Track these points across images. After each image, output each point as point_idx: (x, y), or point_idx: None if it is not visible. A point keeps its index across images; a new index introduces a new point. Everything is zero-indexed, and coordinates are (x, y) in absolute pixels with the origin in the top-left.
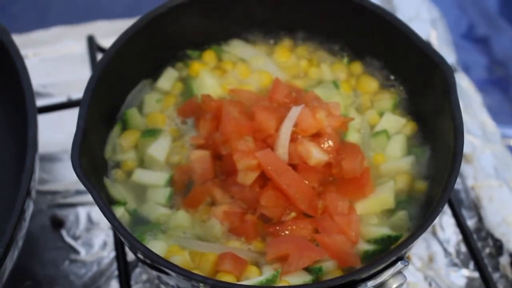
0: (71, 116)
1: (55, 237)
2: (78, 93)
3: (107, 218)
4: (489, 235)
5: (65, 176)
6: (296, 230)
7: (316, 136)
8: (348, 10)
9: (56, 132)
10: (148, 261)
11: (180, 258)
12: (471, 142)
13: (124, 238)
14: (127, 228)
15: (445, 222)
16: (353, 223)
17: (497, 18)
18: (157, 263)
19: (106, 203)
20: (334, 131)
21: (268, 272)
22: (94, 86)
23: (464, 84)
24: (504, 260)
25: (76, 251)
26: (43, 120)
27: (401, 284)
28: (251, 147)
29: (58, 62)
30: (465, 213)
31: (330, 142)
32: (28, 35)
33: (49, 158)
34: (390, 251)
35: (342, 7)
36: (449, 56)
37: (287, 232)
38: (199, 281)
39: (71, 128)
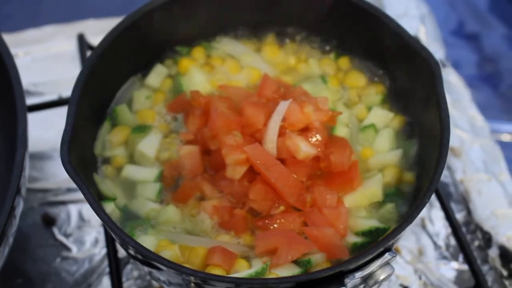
0: (62, 114)
1: (47, 235)
2: (68, 91)
3: (97, 214)
4: (478, 228)
5: (56, 174)
6: (285, 224)
7: (304, 131)
8: (336, 5)
9: (47, 130)
10: (139, 256)
11: (170, 253)
12: (459, 136)
13: (115, 233)
14: (117, 223)
15: (434, 216)
16: (341, 216)
17: (486, 15)
18: (147, 257)
19: (96, 199)
20: (322, 126)
21: (257, 265)
22: (83, 83)
23: (453, 80)
24: (493, 252)
25: (68, 248)
26: (34, 118)
27: (389, 275)
28: (239, 142)
29: (48, 60)
30: (454, 206)
31: (318, 136)
32: (18, 34)
33: (40, 156)
34: (377, 242)
35: (330, 2)
36: (438, 52)
37: (276, 226)
38: (189, 274)
39: (61, 126)
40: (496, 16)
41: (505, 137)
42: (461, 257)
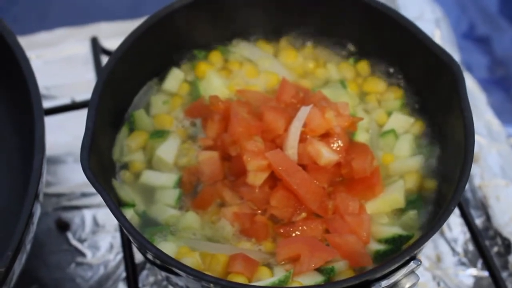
0: (75, 118)
1: (61, 240)
2: (82, 95)
3: (118, 220)
4: (497, 234)
5: (70, 179)
6: (307, 231)
7: (325, 136)
8: (355, 9)
9: (60, 135)
10: (159, 262)
11: (191, 260)
12: (477, 141)
13: (136, 239)
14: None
15: (452, 222)
16: (364, 223)
17: (497, 18)
18: (169, 264)
19: (117, 205)
20: (343, 131)
21: (279, 273)
22: (102, 88)
23: (468, 84)
24: None
25: (82, 254)
26: (47, 122)
27: (414, 284)
28: (261, 148)
29: (61, 64)
30: (472, 212)
31: (340, 142)
32: (30, 37)
33: (54, 161)
34: (403, 250)
35: (349, 6)
36: (453, 55)
37: (297, 233)
38: (212, 282)
39: (75, 130)
40: (507, 19)
41: None
42: (479, 264)
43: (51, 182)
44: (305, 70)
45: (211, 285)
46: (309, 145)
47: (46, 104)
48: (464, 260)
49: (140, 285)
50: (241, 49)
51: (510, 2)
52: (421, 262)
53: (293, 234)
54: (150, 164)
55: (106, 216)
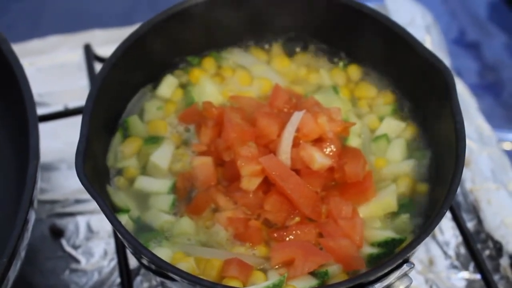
0: (68, 125)
1: (55, 247)
2: (75, 102)
3: (113, 225)
4: (489, 237)
5: (63, 185)
6: (301, 235)
7: (318, 141)
8: (346, 15)
9: (53, 141)
10: (154, 267)
11: (186, 265)
12: (468, 145)
13: (131, 244)
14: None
15: (444, 225)
16: (357, 227)
17: (487, 24)
18: (164, 269)
19: (111, 209)
20: (336, 136)
21: (274, 277)
22: (96, 95)
23: (459, 89)
24: (504, 261)
25: (77, 260)
26: (40, 129)
27: (407, 287)
28: (254, 153)
29: (54, 71)
30: (464, 215)
31: (333, 147)
32: (23, 44)
33: (47, 167)
34: (396, 253)
35: (341, 12)
36: (444, 61)
37: (291, 237)
38: (207, 287)
39: (68, 137)
40: (496, 25)
41: (508, 146)
42: (471, 267)
43: (45, 189)
44: (297, 76)
45: None
46: (302, 150)
47: (39, 111)
48: (456, 263)
49: None
50: (234, 55)
51: (499, 8)
52: (414, 264)
53: (287, 239)
54: (144, 170)
55: (100, 223)
